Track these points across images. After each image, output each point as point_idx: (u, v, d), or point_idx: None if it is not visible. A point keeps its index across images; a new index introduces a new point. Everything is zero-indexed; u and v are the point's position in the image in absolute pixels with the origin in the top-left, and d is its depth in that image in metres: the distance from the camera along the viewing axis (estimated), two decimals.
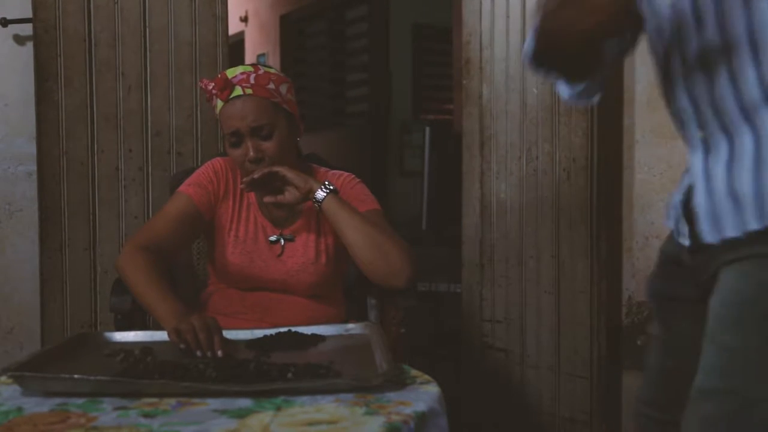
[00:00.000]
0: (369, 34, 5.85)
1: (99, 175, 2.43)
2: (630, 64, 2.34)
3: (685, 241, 1.17)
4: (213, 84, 1.67)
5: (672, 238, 1.24)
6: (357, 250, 1.66)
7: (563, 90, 1.33)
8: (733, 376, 1.03)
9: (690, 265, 1.19)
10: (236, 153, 1.69)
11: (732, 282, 1.07)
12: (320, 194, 1.66)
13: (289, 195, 1.68)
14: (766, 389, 1.00)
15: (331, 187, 1.68)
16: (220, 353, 1.36)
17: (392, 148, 5.95)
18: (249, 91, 1.66)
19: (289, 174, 1.66)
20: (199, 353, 1.36)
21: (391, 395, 1.16)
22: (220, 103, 1.69)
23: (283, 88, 1.72)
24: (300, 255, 1.76)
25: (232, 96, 1.67)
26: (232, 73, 1.69)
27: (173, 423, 1.04)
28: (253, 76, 1.68)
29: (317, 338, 1.51)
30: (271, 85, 1.69)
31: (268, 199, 1.70)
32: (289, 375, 1.20)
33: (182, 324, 1.40)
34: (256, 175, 1.65)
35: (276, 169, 1.66)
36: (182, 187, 1.79)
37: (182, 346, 1.38)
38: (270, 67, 1.74)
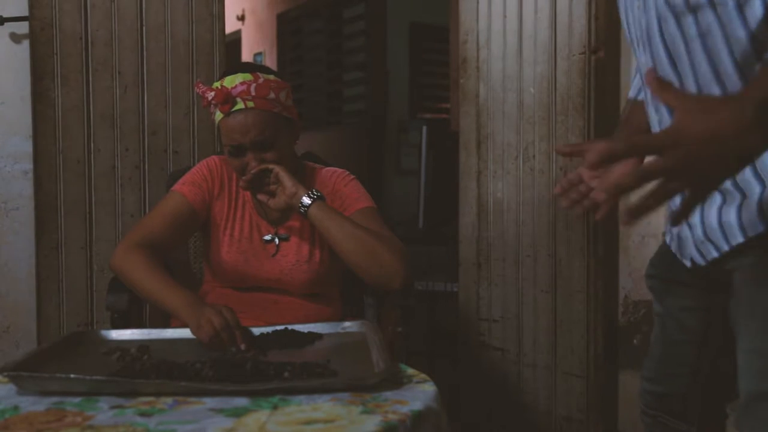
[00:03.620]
0: (366, 32, 5.84)
1: (95, 173, 2.42)
2: (628, 62, 2.34)
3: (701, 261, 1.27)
4: (213, 94, 1.65)
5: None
6: (348, 256, 1.66)
7: None
8: None
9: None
10: (236, 163, 1.69)
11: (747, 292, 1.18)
12: (306, 200, 1.65)
13: (277, 199, 1.69)
14: None
15: (318, 194, 1.67)
16: (243, 347, 1.39)
17: (389, 147, 5.95)
18: (251, 104, 1.65)
19: (281, 173, 1.66)
20: (242, 346, 1.40)
21: (388, 394, 1.16)
22: (219, 114, 1.68)
23: (283, 95, 1.70)
24: (294, 253, 1.76)
25: (233, 109, 1.65)
26: (231, 82, 1.66)
27: (170, 422, 1.04)
28: (253, 86, 1.65)
29: (314, 336, 1.51)
30: (272, 95, 1.67)
31: (261, 197, 1.71)
32: (286, 374, 1.20)
33: (203, 322, 1.42)
34: (253, 171, 1.66)
35: (272, 166, 1.67)
36: (176, 186, 1.79)
37: (239, 347, 1.41)
38: (268, 72, 1.71)
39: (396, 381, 1.22)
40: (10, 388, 1.20)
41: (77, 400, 1.14)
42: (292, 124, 1.74)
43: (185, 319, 1.48)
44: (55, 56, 2.38)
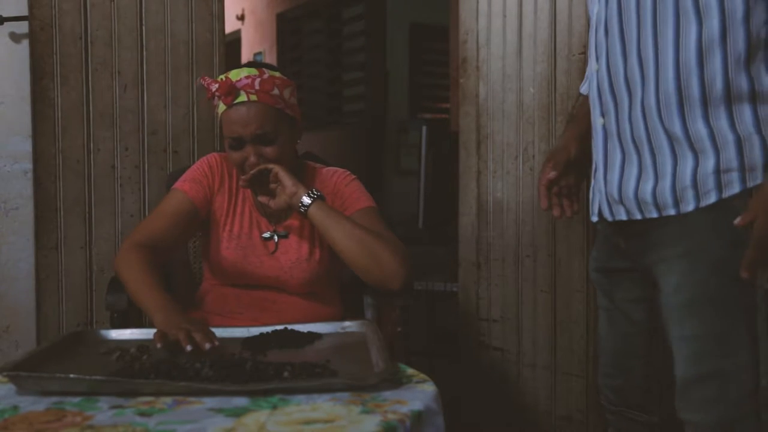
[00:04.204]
0: (366, 33, 5.85)
1: (95, 173, 2.42)
2: None
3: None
4: (217, 86, 1.65)
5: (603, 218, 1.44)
6: (349, 256, 1.66)
7: None
8: (710, 359, 1.23)
9: (617, 241, 1.40)
10: (236, 156, 1.69)
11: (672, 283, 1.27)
12: (306, 200, 1.65)
13: (277, 199, 1.68)
14: (737, 360, 1.21)
15: (318, 194, 1.67)
16: (216, 342, 1.34)
17: (389, 147, 5.95)
18: (254, 97, 1.65)
19: (281, 173, 1.66)
20: (189, 347, 1.32)
21: (388, 394, 1.16)
22: (222, 106, 1.68)
23: (287, 93, 1.70)
24: (293, 251, 1.76)
25: (236, 101, 1.65)
26: (236, 75, 1.67)
27: (169, 422, 1.04)
28: (258, 80, 1.66)
29: (313, 336, 1.51)
30: (276, 91, 1.67)
31: (262, 198, 1.70)
32: (285, 374, 1.20)
33: (172, 329, 1.37)
34: (253, 171, 1.66)
35: (271, 166, 1.67)
36: (178, 184, 1.79)
37: (159, 345, 1.34)
38: (274, 70, 1.72)
39: (396, 381, 1.22)
40: (10, 388, 1.20)
41: (77, 400, 1.14)
42: (295, 123, 1.74)
43: (156, 323, 1.45)
44: (54, 56, 2.38)
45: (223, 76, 1.67)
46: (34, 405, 1.12)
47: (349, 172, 1.85)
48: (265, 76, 1.67)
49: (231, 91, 1.64)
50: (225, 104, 1.67)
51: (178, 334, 1.35)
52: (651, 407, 1.47)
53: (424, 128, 3.27)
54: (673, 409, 1.48)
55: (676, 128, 1.24)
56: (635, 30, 1.26)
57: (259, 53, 6.72)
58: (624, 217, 1.33)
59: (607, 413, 1.53)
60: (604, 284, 1.48)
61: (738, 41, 1.20)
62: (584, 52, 2.32)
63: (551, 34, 2.39)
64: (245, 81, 1.65)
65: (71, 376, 1.16)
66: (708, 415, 1.24)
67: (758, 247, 1.14)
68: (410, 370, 1.31)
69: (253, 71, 1.68)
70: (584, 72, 2.33)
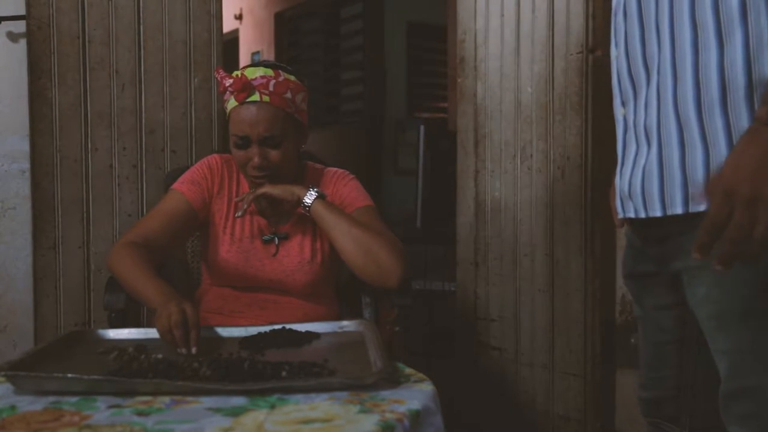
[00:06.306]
0: (364, 32, 5.85)
1: (93, 172, 2.42)
2: None
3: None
4: (231, 81, 1.66)
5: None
6: (347, 254, 1.67)
7: None
8: (747, 374, 1.15)
9: (642, 244, 1.32)
10: (240, 154, 1.70)
11: (705, 292, 1.17)
12: (308, 200, 1.68)
13: (286, 205, 1.72)
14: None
15: (318, 192, 1.69)
16: (194, 350, 1.36)
17: (387, 146, 5.95)
18: (266, 98, 1.65)
19: (275, 192, 1.68)
20: (183, 351, 1.36)
21: (386, 393, 1.16)
22: (233, 102, 1.68)
23: (299, 98, 1.71)
24: (296, 254, 1.76)
25: (248, 99, 1.66)
26: (252, 73, 1.67)
27: (167, 421, 1.04)
28: (273, 82, 1.66)
29: (312, 336, 1.51)
30: (288, 95, 1.68)
31: (272, 219, 1.76)
32: (284, 373, 1.20)
33: (161, 317, 1.40)
34: (245, 206, 1.69)
35: (261, 191, 1.69)
36: (176, 185, 1.79)
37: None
38: (290, 73, 1.72)
39: (394, 380, 1.22)
40: (8, 387, 1.20)
41: (74, 399, 1.13)
42: (302, 128, 1.75)
43: (157, 308, 1.46)
44: (52, 55, 2.37)
45: (238, 72, 1.68)
46: (31, 405, 1.12)
47: (348, 172, 1.86)
48: (281, 78, 1.68)
49: (245, 88, 1.65)
50: (237, 101, 1.67)
51: (174, 333, 1.37)
52: (683, 420, 1.41)
53: (422, 128, 3.28)
54: (704, 422, 1.41)
55: (691, 116, 1.12)
56: (653, 10, 1.17)
57: (257, 52, 6.71)
58: (632, 215, 1.25)
59: (646, 424, 1.50)
60: (634, 291, 1.42)
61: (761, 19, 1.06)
62: (582, 52, 2.32)
63: (549, 33, 2.39)
64: (260, 81, 1.66)
65: (69, 375, 1.16)
66: (749, 430, 1.17)
67: (707, 229, 1.01)
68: (408, 370, 1.31)
69: (269, 72, 1.68)
70: (582, 71, 2.34)
